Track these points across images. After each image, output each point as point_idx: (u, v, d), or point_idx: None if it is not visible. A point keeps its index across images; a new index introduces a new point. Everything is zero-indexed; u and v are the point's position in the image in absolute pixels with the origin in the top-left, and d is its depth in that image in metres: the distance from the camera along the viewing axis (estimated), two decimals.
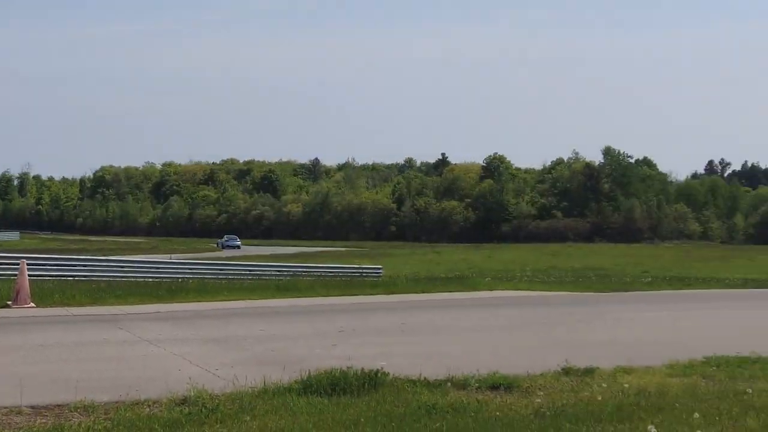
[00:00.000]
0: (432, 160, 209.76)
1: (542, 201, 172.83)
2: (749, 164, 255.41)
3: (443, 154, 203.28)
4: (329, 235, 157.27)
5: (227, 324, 18.50)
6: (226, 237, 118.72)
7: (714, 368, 12.28)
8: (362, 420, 8.71)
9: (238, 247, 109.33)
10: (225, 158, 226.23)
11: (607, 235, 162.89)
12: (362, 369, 10.71)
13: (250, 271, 36.83)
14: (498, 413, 9.24)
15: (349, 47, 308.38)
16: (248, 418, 8.78)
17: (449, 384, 10.71)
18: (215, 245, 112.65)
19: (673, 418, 8.90)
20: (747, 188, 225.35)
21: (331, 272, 37.79)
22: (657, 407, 9.50)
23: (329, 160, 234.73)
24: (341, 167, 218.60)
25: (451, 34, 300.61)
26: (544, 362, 12.39)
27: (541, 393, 10.41)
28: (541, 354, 13.87)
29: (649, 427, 8.38)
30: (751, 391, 10.39)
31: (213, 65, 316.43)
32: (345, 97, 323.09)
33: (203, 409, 9.04)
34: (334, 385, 10.19)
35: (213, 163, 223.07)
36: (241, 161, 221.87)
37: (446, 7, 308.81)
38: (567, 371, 11.81)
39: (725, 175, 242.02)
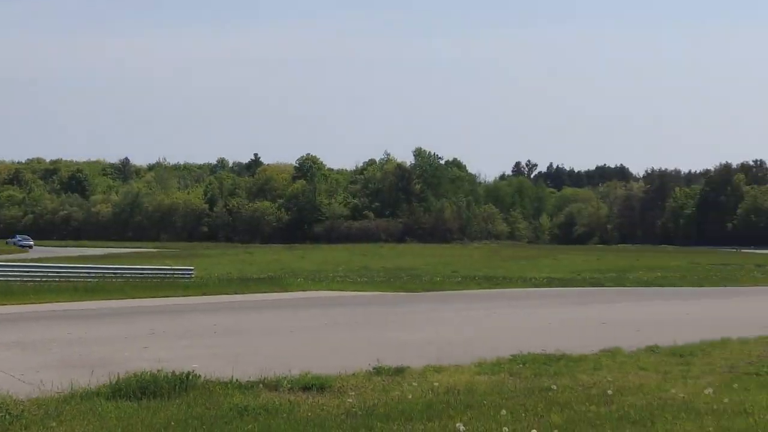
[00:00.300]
0: (245, 161, 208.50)
1: (354, 201, 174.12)
2: (554, 166, 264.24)
3: (256, 155, 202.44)
4: (140, 236, 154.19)
5: (33, 327, 17.92)
6: (18, 237, 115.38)
7: (520, 366, 12.62)
8: (172, 423, 8.58)
9: (31, 246, 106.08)
10: (31, 157, 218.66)
11: (418, 235, 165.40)
12: (173, 372, 10.56)
13: (57, 273, 35.66)
14: (310, 414, 9.26)
15: (159, 46, 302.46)
16: (54, 423, 8.51)
17: (261, 385, 10.67)
18: (6, 243, 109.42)
19: (481, 416, 9.10)
20: (552, 189, 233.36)
21: (141, 274, 37.07)
22: (466, 405, 9.69)
23: (139, 160, 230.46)
24: (152, 167, 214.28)
25: (262, 33, 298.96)
26: (356, 362, 12.47)
27: (353, 393, 10.46)
28: (354, 354, 13.97)
29: (458, 424, 8.55)
30: (555, 387, 10.74)
31: (15, 61, 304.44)
32: (155, 96, 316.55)
33: (7, 416, 8.72)
34: (143, 389, 10.01)
35: (18, 162, 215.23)
36: (47, 160, 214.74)
37: (239, 6, 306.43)
38: (379, 371, 11.92)
39: (532, 176, 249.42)
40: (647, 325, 19.76)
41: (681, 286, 38.25)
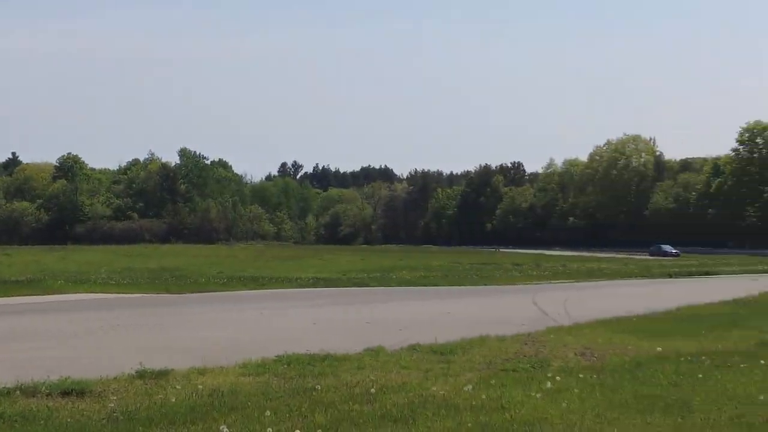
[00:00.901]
0: (1, 160, 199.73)
1: (118, 202, 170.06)
2: (320, 167, 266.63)
3: (14, 153, 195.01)
4: None
5: None
6: None
7: (285, 366, 12.65)
8: None
9: None
10: None
11: (183, 235, 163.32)
12: None
13: None
14: (70, 419, 9.00)
15: None
16: None
17: (18, 392, 10.27)
18: None
19: (246, 417, 9.07)
20: (318, 190, 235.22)
21: None
22: (230, 407, 9.64)
23: None
24: None
25: (23, 28, 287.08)
26: (118, 366, 12.20)
27: (115, 397, 10.22)
28: (116, 358, 13.65)
29: (222, 426, 8.50)
30: (319, 387, 10.83)
31: None
32: None
33: None
34: None
35: None
36: None
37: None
38: (141, 374, 11.68)
39: (298, 177, 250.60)
40: (410, 324, 20.19)
41: (442, 286, 39.22)
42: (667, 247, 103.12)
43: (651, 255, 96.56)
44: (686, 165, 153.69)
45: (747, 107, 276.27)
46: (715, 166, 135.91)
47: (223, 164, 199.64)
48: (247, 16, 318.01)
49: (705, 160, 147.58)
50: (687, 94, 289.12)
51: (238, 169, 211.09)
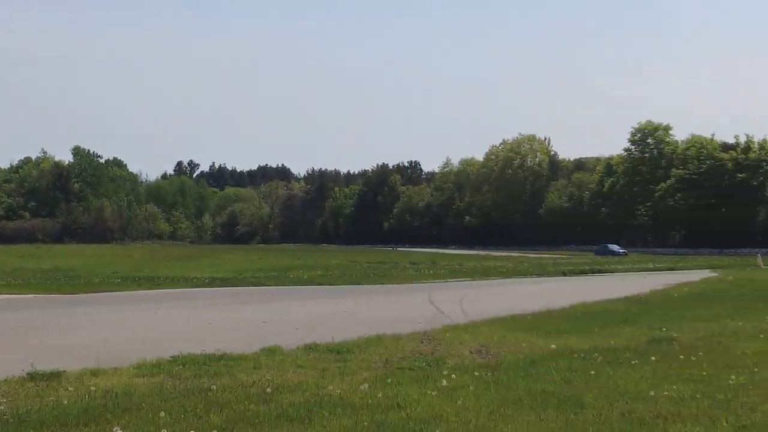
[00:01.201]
0: None
1: (9, 201, 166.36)
2: (217, 165, 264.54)
3: None
4: None
5: None
6: None
7: (180, 367, 12.53)
8: None
9: None
10: None
11: (77, 235, 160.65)
12: None
13: None
14: None
15: None
16: None
17: None
18: None
19: (140, 418, 8.96)
20: (215, 189, 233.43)
21: None
22: (124, 408, 9.52)
23: None
24: None
25: None
26: (9, 368, 11.96)
27: (5, 400, 10.02)
28: (7, 359, 13.38)
29: (115, 428, 8.40)
30: (215, 387, 10.74)
31: None
32: None
33: None
34: None
35: None
36: None
37: None
38: (33, 376, 11.45)
39: (194, 175, 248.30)
40: (307, 323, 20.19)
41: (340, 285, 39.24)
42: (614, 247, 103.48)
43: (597, 254, 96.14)
44: (580, 164, 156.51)
45: (637, 108, 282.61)
46: (608, 166, 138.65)
47: (117, 163, 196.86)
48: (137, 14, 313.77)
49: (598, 159, 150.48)
50: (579, 94, 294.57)
51: (133, 167, 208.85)
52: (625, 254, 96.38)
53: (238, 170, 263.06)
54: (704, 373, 11.70)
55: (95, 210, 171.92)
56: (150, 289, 35.31)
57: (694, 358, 13.09)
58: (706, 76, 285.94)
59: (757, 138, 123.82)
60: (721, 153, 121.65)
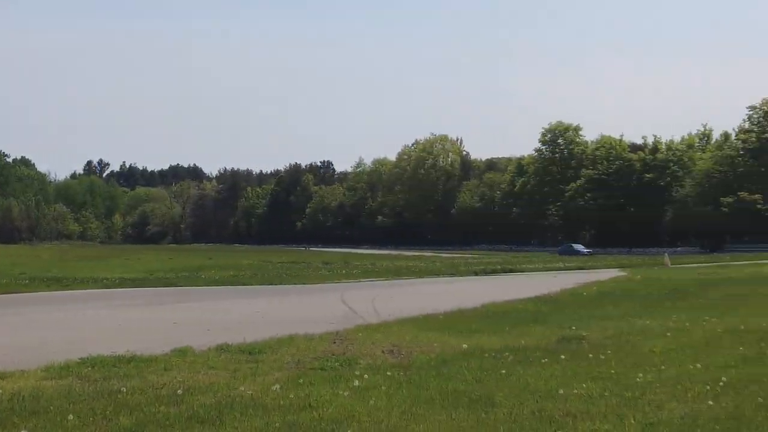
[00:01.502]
0: None
1: None
2: (128, 165, 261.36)
3: None
4: None
5: None
6: None
7: (90, 369, 12.35)
8: None
9: None
10: None
11: None
12: None
13: None
14: None
15: None
16: None
17: None
18: None
19: (48, 421, 8.83)
20: (125, 188, 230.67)
21: None
22: (31, 411, 9.37)
23: None
24: None
25: None
26: None
27: None
28: None
29: (22, 431, 8.26)
30: (125, 389, 10.61)
31: None
32: None
33: None
34: None
35: None
36: None
37: None
38: None
39: (104, 175, 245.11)
40: (218, 323, 20.05)
41: (252, 285, 39.05)
42: (579, 247, 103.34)
43: (561, 254, 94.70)
44: (492, 165, 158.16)
45: (548, 109, 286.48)
46: (519, 166, 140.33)
47: (25, 162, 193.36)
48: (49, 7, 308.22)
49: (509, 159, 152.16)
50: (491, 95, 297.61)
51: (41, 167, 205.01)
52: (590, 254, 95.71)
53: (149, 170, 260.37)
54: (612, 372, 11.88)
55: (2, 210, 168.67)
56: (59, 290, 34.73)
57: (602, 357, 13.28)
58: (615, 77, 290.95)
59: (665, 139, 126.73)
60: (630, 153, 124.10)
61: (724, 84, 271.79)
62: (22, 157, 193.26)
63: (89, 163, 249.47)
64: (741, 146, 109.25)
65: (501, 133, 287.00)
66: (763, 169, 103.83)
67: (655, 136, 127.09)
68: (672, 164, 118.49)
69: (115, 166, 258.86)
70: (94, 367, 12.53)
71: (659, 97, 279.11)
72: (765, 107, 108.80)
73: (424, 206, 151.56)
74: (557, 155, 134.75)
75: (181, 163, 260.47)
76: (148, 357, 13.48)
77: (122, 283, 38.94)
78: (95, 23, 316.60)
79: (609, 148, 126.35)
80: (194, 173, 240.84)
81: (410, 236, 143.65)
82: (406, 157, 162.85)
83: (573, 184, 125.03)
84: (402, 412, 9.36)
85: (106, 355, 13.50)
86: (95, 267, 56.75)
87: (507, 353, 13.93)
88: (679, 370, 12.00)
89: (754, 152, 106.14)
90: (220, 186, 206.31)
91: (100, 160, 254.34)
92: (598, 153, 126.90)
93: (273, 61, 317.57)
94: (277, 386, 10.69)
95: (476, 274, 51.29)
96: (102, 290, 34.86)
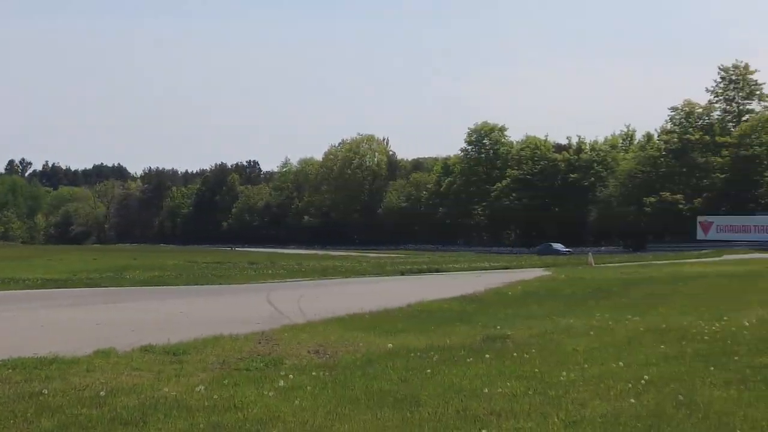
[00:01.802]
0: None
1: None
2: (51, 164, 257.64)
3: None
4: None
5: None
6: None
7: (10, 371, 12.15)
8: None
9: None
10: None
11: None
12: None
13: None
14: None
15: None
16: None
17: None
18: None
19: None
20: (48, 188, 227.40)
21: None
22: None
23: None
24: None
25: None
26: None
27: None
28: None
29: None
30: (46, 391, 10.47)
31: None
32: None
33: None
34: None
35: None
36: None
37: None
38: None
39: (26, 174, 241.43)
40: (143, 324, 19.84)
41: (177, 285, 38.75)
42: (558, 246, 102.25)
43: (540, 254, 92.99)
44: (418, 164, 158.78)
45: (473, 109, 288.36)
46: (445, 166, 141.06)
47: None
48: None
49: (436, 159, 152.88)
50: (416, 95, 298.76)
51: None
52: (570, 253, 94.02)
53: (73, 169, 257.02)
54: (536, 370, 11.98)
55: None
56: None
57: (527, 356, 13.39)
58: (540, 77, 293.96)
59: (589, 139, 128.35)
60: (554, 154, 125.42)
61: (647, 85, 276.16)
62: None
63: (11, 162, 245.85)
64: (663, 147, 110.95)
65: (427, 133, 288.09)
66: (684, 170, 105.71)
67: (579, 137, 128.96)
68: (596, 164, 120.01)
69: (37, 166, 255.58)
70: (15, 369, 12.33)
71: (584, 98, 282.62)
72: (686, 108, 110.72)
73: (350, 206, 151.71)
74: (483, 155, 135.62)
75: (105, 163, 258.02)
76: (70, 358, 13.30)
77: (44, 284, 38.37)
78: (13, 22, 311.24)
79: (534, 148, 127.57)
80: (119, 173, 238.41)
81: (337, 236, 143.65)
82: (332, 156, 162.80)
83: (498, 184, 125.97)
84: (327, 412, 9.37)
85: (27, 356, 13.30)
86: (17, 267, 55.86)
87: (432, 353, 13.98)
88: (602, 369, 12.14)
89: (676, 153, 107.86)
90: (145, 186, 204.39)
91: (23, 159, 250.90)
92: (523, 153, 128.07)
93: (198, 60, 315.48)
94: (202, 387, 10.63)
95: (402, 273, 51.40)
96: (23, 291, 34.33)
